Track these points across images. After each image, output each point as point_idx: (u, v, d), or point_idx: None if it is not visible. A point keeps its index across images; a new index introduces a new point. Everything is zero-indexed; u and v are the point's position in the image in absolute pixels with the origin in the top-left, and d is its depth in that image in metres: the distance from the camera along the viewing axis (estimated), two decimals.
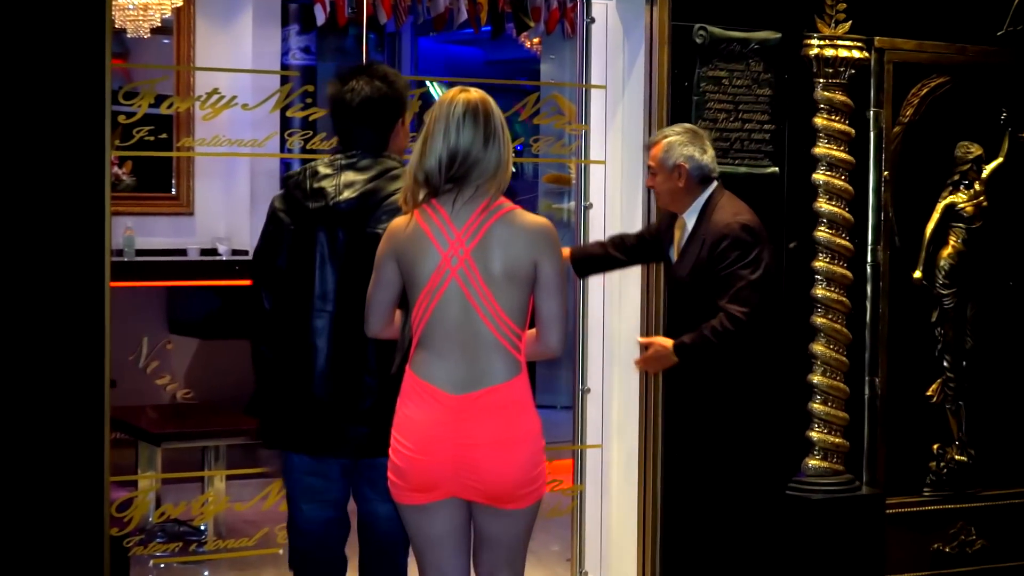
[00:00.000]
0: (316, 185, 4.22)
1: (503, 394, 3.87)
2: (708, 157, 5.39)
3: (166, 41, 8.93)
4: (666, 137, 5.41)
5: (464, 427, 3.86)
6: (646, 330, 6.07)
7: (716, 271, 5.19)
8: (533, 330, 3.95)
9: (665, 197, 5.43)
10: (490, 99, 3.97)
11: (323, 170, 4.26)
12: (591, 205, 6.34)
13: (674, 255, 5.45)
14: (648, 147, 5.52)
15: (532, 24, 8.67)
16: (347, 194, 4.18)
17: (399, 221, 3.95)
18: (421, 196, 3.89)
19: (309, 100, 5.99)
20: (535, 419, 3.94)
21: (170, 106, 6.09)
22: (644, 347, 5.41)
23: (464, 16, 8.77)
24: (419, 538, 4.04)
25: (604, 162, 6.30)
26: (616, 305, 6.34)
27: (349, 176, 4.21)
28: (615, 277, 6.21)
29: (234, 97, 5.79)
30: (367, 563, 4.44)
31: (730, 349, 5.16)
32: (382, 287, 3.98)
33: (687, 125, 5.64)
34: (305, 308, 4.23)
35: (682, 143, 5.37)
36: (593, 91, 6.36)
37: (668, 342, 5.23)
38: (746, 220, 5.28)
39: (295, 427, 4.31)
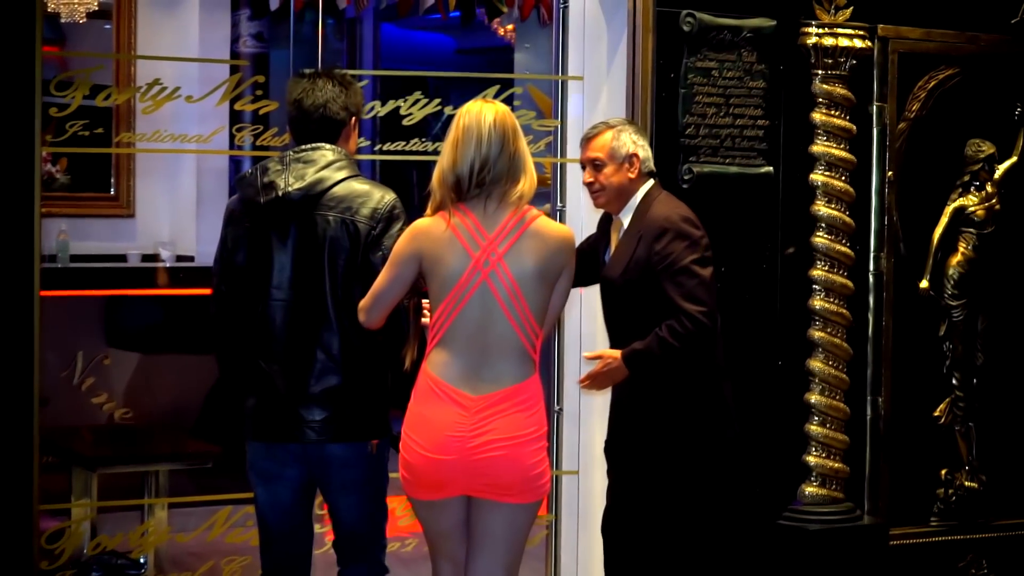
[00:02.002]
0: (267, 180, 4.70)
1: (520, 393, 4.42)
2: (649, 149, 5.37)
3: (108, 27, 8.90)
4: (612, 126, 5.30)
5: (480, 426, 4.38)
6: None
7: (663, 267, 5.06)
8: None
9: (610, 193, 5.27)
10: (511, 112, 4.60)
11: (273, 166, 4.74)
12: (562, 208, 6.32)
13: (609, 258, 5.37)
14: (590, 139, 5.33)
15: (505, 9, 8.69)
16: (296, 185, 4.66)
17: (424, 222, 4.51)
18: (448, 200, 4.47)
19: (259, 92, 5.98)
20: (544, 415, 4.51)
21: (107, 98, 6.07)
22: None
23: (431, 1, 8.78)
24: (431, 530, 4.60)
25: (580, 161, 6.28)
26: (596, 318, 6.31)
27: (298, 169, 4.70)
28: (594, 288, 6.19)
29: (177, 88, 5.79)
30: (338, 552, 4.90)
31: (690, 354, 5.05)
32: (396, 283, 4.50)
33: (620, 117, 5.64)
34: (263, 299, 4.70)
35: (632, 131, 5.29)
36: (571, 83, 6.35)
37: (616, 353, 5.11)
38: (688, 215, 5.19)
39: (252, 415, 4.77)
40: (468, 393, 4.40)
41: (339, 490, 4.75)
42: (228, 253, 4.77)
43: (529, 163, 4.56)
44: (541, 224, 4.51)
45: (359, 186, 4.69)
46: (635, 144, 5.25)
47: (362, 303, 4.55)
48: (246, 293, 4.73)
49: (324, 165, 4.69)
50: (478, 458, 4.38)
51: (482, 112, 4.52)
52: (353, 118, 4.86)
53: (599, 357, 5.17)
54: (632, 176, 5.25)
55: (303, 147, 4.76)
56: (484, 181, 4.47)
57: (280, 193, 4.65)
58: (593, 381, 5.20)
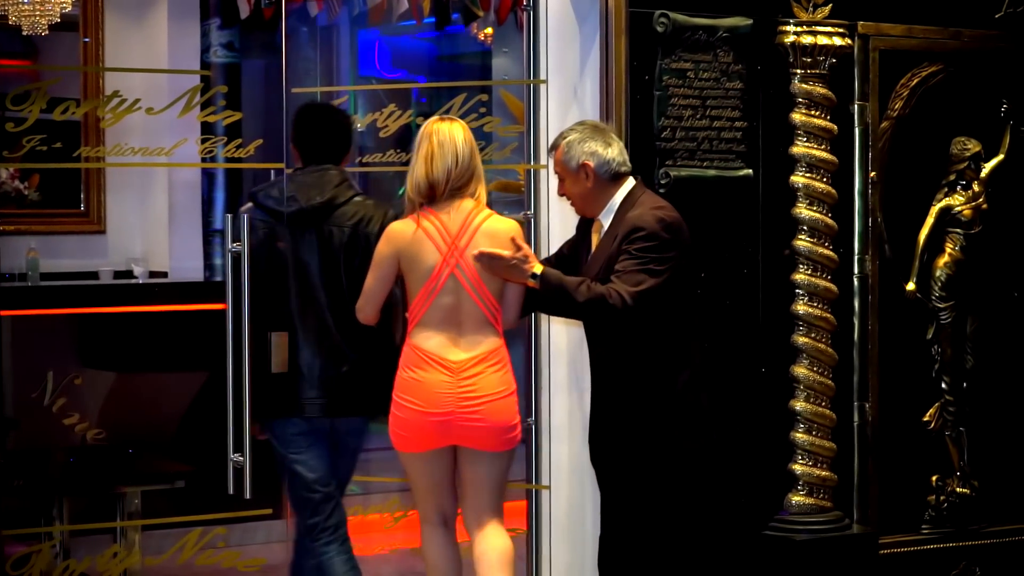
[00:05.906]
0: (289, 193, 5.72)
1: (492, 356, 5.40)
2: (614, 151, 5.40)
3: (87, 40, 8.91)
4: (564, 138, 5.44)
5: (463, 385, 5.35)
6: None
7: (626, 260, 5.18)
8: None
9: (579, 202, 5.46)
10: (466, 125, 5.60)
11: (296, 179, 5.77)
12: (532, 214, 6.32)
13: (589, 259, 5.44)
14: (550, 152, 5.55)
15: (481, 13, 8.71)
16: (317, 199, 5.69)
17: (397, 226, 5.49)
18: (419, 204, 5.44)
19: (223, 102, 5.98)
20: (512, 375, 5.50)
21: (65, 111, 6.07)
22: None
23: (405, 6, 8.79)
24: (420, 483, 5.53)
25: (545, 166, 6.30)
26: (569, 332, 6.31)
27: (312, 187, 5.71)
28: None
29: (137, 100, 5.79)
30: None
31: (587, 319, 5.37)
32: (381, 280, 5.51)
33: (588, 121, 5.66)
34: (293, 295, 5.75)
35: (581, 140, 5.39)
36: (542, 87, 6.35)
37: (535, 262, 5.29)
38: (664, 215, 5.28)
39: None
40: (451, 359, 5.37)
41: (344, 454, 5.88)
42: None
43: (481, 171, 5.54)
44: (491, 223, 5.45)
45: (366, 203, 5.79)
46: (584, 154, 5.37)
47: (357, 304, 5.57)
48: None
49: (337, 183, 5.75)
50: (464, 413, 5.35)
51: (452, 130, 5.49)
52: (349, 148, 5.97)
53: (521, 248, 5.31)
54: (589, 185, 5.35)
55: (314, 167, 5.78)
56: (454, 187, 5.43)
57: (305, 205, 5.67)
58: (492, 258, 5.28)
